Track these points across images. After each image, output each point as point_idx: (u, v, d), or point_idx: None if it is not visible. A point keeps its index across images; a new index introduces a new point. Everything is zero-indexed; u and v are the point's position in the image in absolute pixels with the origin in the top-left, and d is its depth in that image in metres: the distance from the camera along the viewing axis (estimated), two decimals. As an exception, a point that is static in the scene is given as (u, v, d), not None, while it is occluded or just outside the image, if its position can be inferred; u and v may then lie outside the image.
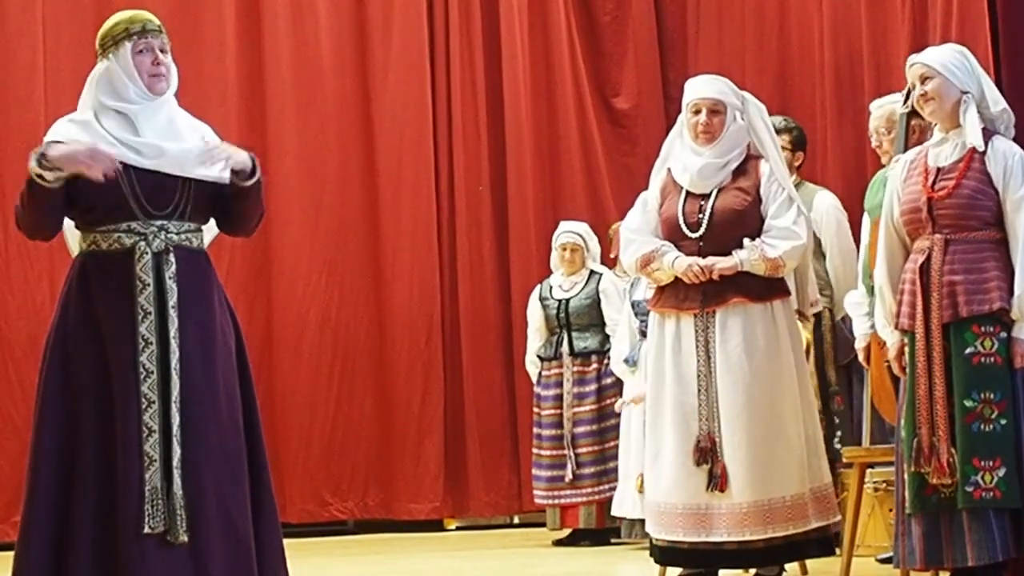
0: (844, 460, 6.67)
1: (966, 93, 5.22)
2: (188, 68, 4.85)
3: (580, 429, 8.70)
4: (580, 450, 8.68)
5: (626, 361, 8.24)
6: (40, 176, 4.50)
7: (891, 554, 5.52)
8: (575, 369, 8.77)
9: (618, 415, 8.42)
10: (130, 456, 4.48)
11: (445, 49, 10.53)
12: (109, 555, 4.47)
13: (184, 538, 4.50)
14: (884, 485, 6.96)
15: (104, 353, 4.55)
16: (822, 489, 5.95)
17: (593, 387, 8.72)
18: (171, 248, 4.62)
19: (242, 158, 4.75)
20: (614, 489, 8.41)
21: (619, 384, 8.47)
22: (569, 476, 8.68)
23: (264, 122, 10.17)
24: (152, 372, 4.54)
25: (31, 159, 4.50)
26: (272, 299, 10.10)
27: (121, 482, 4.48)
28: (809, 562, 6.18)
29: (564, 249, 8.99)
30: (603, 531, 8.75)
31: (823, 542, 5.99)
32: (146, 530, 4.46)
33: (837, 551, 6.18)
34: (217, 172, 4.75)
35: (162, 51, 4.73)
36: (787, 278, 6.05)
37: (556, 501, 8.81)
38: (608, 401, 8.64)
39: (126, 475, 4.48)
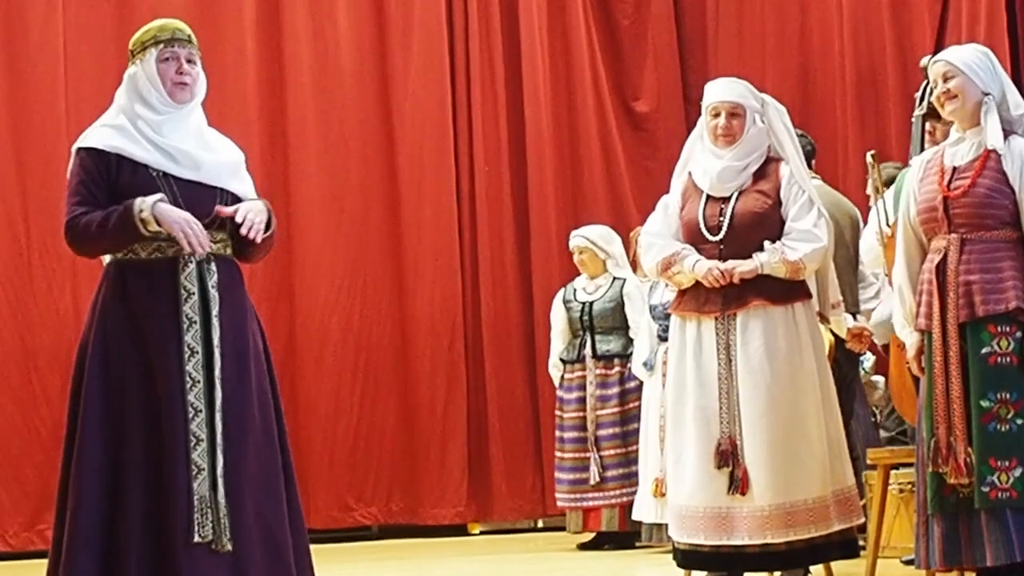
0: (868, 462, 6.66)
1: (987, 95, 5.20)
2: (208, 76, 4.85)
3: (603, 432, 8.69)
4: (604, 453, 8.68)
5: (645, 364, 8.25)
6: (143, 222, 4.52)
7: (914, 555, 5.50)
8: (598, 372, 8.77)
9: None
10: (178, 465, 4.49)
11: (465, 54, 10.55)
12: (159, 564, 4.47)
13: (229, 546, 4.51)
14: (909, 486, 6.95)
15: (148, 362, 4.55)
16: (844, 492, 5.93)
17: (616, 390, 8.72)
18: (212, 258, 4.63)
19: (262, 219, 4.72)
20: (635, 493, 8.41)
21: (642, 387, 8.47)
22: (595, 479, 8.67)
23: (285, 130, 10.19)
24: (198, 381, 4.55)
25: (143, 207, 4.50)
26: (295, 305, 10.12)
27: (169, 491, 4.48)
28: (835, 564, 6.16)
29: (573, 253, 9.03)
30: (627, 535, 8.74)
31: (846, 544, 5.96)
32: (196, 539, 4.47)
33: (862, 553, 6.17)
34: (249, 188, 4.78)
35: (189, 61, 4.73)
36: (808, 280, 6.04)
37: (579, 504, 8.80)
38: (631, 405, 8.64)
39: (174, 484, 4.48)
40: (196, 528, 4.47)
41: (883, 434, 8.29)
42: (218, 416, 4.54)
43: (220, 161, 4.75)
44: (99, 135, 4.68)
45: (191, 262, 4.60)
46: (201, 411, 4.54)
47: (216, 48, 9.82)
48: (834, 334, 6.73)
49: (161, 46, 4.70)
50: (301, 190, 10.15)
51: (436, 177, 10.38)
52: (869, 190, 7.45)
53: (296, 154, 10.18)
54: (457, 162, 10.45)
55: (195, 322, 4.58)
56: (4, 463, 9.41)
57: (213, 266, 4.63)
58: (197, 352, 4.57)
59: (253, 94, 10.12)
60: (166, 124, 4.69)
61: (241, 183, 4.80)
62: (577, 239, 9.05)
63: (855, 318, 7.08)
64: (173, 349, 4.55)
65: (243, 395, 4.62)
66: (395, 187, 10.38)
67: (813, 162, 7.67)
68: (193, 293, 4.59)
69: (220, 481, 4.52)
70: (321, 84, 10.30)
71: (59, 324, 9.38)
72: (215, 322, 4.59)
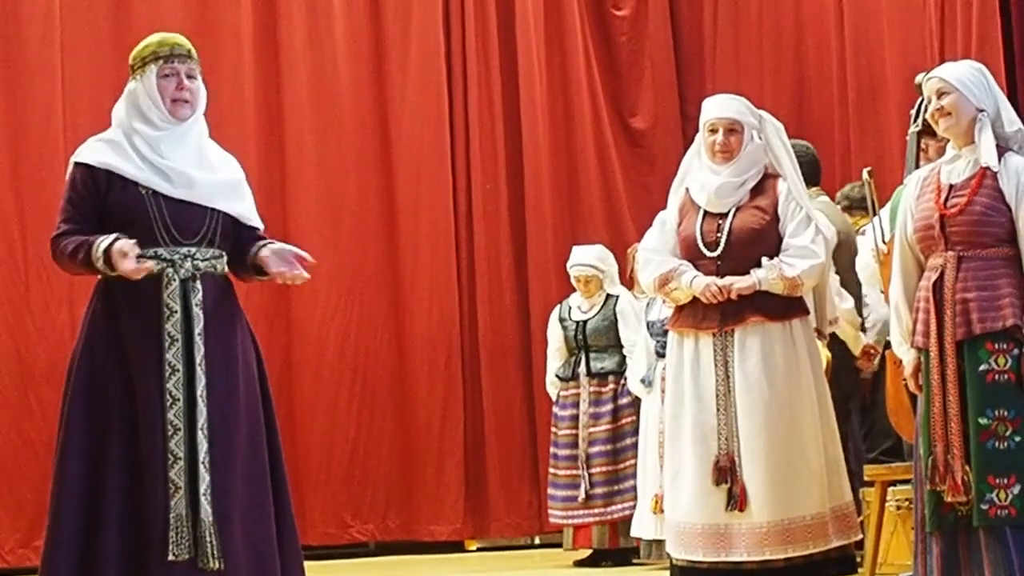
0: (865, 478, 6.66)
1: (982, 111, 5.19)
2: (205, 91, 4.86)
3: (595, 449, 8.68)
4: (594, 470, 8.66)
5: (642, 381, 8.25)
6: (105, 265, 4.54)
7: (912, 573, 5.50)
8: (592, 389, 8.76)
9: (634, 436, 8.42)
10: (155, 483, 4.49)
11: (462, 71, 10.56)
12: None
13: (216, 564, 4.50)
14: (906, 503, 6.93)
15: (130, 379, 4.56)
16: (842, 508, 5.94)
17: (609, 407, 8.71)
18: (198, 275, 4.63)
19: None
20: (627, 509, 8.41)
21: (635, 404, 8.48)
22: (582, 496, 8.66)
23: (282, 146, 10.18)
24: (178, 399, 4.55)
25: (98, 255, 4.53)
26: (292, 322, 10.11)
27: (147, 509, 4.49)
28: (833, 581, 6.17)
29: (578, 280, 8.99)
30: (624, 551, 8.73)
31: (844, 561, 5.98)
32: (170, 557, 4.47)
33: (859, 570, 6.16)
34: (248, 207, 4.78)
35: (189, 76, 4.74)
36: (805, 296, 6.04)
37: (570, 521, 8.79)
38: (624, 421, 8.64)
39: (151, 502, 4.49)
40: (171, 546, 4.47)
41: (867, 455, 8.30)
42: (201, 435, 4.53)
43: (216, 180, 4.74)
44: (92, 150, 4.69)
45: (174, 280, 4.60)
46: (180, 429, 4.53)
47: (213, 63, 9.79)
48: (832, 351, 6.74)
49: (161, 62, 4.71)
50: (298, 206, 10.14)
51: (433, 193, 10.38)
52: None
53: (293, 170, 10.18)
54: (454, 178, 10.46)
55: (177, 340, 4.58)
56: (0, 479, 9.40)
57: (198, 284, 4.63)
58: (178, 370, 4.57)
59: (250, 110, 10.11)
60: (165, 141, 4.69)
61: (239, 203, 4.79)
62: (583, 268, 8.93)
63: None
64: (153, 366, 4.56)
65: (230, 414, 4.62)
66: (392, 203, 10.38)
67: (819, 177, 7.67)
68: (176, 311, 4.59)
69: (205, 500, 4.50)
70: (318, 100, 10.30)
71: (56, 340, 9.36)
72: (198, 340, 4.58)
